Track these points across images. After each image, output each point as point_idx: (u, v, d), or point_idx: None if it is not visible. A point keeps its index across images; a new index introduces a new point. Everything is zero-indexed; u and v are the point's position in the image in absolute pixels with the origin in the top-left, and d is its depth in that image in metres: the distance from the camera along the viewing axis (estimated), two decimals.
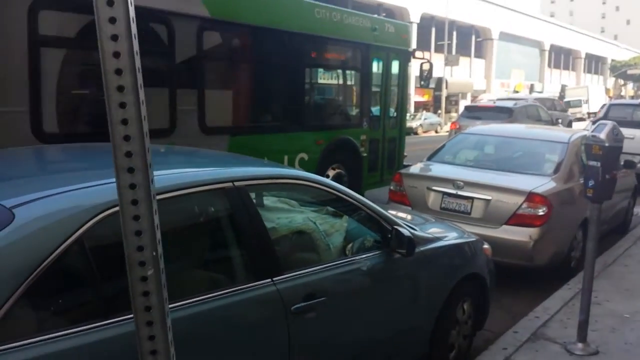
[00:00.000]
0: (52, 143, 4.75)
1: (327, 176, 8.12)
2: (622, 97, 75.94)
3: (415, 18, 40.88)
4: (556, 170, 5.98)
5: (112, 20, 1.05)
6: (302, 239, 3.43)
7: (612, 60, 77.87)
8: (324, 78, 8.88)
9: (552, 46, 63.01)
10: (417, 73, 10.64)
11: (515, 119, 14.64)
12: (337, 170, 8.40)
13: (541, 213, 5.40)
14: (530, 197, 5.43)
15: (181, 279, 2.49)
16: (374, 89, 9.13)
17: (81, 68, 5.61)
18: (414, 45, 29.75)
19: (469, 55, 48.41)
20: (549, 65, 64.19)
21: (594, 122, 12.35)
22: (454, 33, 45.67)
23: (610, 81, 79.34)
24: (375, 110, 9.21)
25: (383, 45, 9.02)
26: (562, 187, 5.79)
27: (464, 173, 6.17)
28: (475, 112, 16.25)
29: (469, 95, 46.44)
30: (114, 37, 1.06)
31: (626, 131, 11.17)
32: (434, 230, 3.98)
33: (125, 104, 1.09)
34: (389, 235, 3.24)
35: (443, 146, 7.15)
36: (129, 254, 1.17)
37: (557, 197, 5.60)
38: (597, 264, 5.82)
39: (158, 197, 2.26)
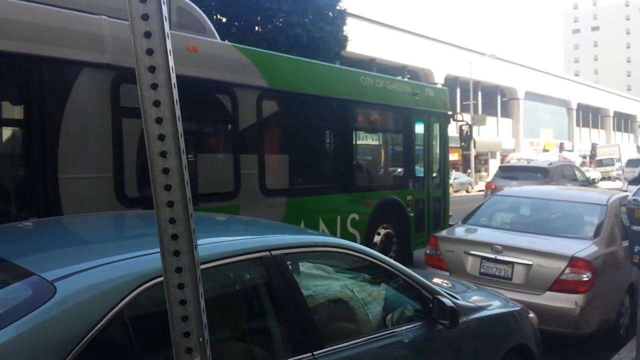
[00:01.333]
0: (132, 206, 5.20)
1: (379, 234, 8.48)
2: None
3: (439, 79, 41.47)
4: (597, 234, 5.77)
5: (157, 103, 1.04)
6: (339, 308, 3.33)
7: None
8: (371, 141, 9.28)
9: (579, 105, 62.90)
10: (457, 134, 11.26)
11: (551, 179, 14.60)
12: (387, 230, 8.65)
13: (585, 278, 5.17)
14: (573, 261, 5.23)
15: (219, 354, 2.40)
16: (417, 150, 9.51)
17: None
18: None
19: (495, 114, 48.56)
20: (577, 124, 63.86)
21: (630, 183, 12.15)
22: (479, 93, 46.04)
23: None
24: (419, 171, 9.57)
25: (424, 109, 9.48)
26: (604, 251, 5.57)
27: (502, 236, 6.00)
28: (510, 172, 16.24)
29: (498, 154, 46.25)
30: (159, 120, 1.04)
31: None
32: (476, 299, 3.82)
33: (172, 201, 1.05)
34: (431, 305, 3.11)
35: (478, 208, 7.02)
36: (175, 340, 1.11)
37: (600, 261, 5.38)
38: None
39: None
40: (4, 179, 4.95)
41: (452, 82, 42.93)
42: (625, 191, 10.95)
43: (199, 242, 2.51)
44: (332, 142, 8.06)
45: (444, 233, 6.45)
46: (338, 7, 23.23)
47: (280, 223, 3.76)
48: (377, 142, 9.38)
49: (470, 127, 11.01)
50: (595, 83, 79.66)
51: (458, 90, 44.25)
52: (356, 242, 8.07)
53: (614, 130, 72.86)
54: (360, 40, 32.63)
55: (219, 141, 6.66)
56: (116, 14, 5.25)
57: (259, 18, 21.84)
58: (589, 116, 66.99)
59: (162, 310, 1.22)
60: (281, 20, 21.87)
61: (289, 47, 22.32)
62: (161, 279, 2.12)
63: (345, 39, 23.83)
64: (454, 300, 3.31)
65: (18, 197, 4.86)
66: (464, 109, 42.16)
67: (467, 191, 33.71)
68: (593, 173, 47.62)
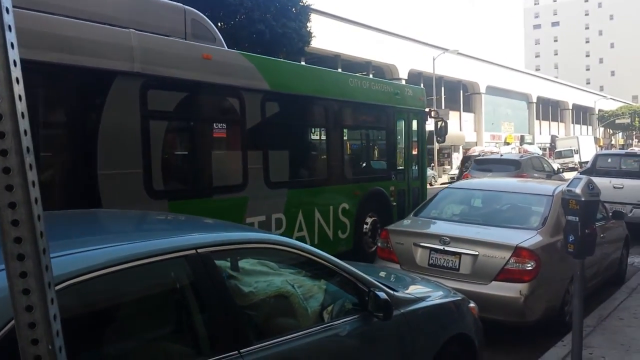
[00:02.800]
0: (159, 199, 5.90)
1: (366, 223, 9.36)
2: (612, 146, 77.10)
3: (403, 74, 41.83)
4: (542, 224, 5.91)
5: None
6: (279, 303, 3.32)
7: (600, 110, 79.38)
8: (358, 137, 10.10)
9: (539, 98, 64.27)
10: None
11: (522, 170, 15.67)
12: (373, 218, 9.50)
13: (529, 268, 5.30)
14: (517, 251, 5.34)
15: (141, 355, 2.38)
16: (399, 145, 10.47)
17: (180, 135, 6.96)
18: None
19: (458, 109, 49.24)
20: (538, 117, 65.28)
21: (582, 173, 12.49)
22: (442, 88, 46.62)
23: (599, 131, 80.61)
24: (401, 163, 10.50)
25: (404, 107, 10.43)
26: (549, 241, 5.70)
27: (451, 228, 6.10)
28: (485, 165, 17.15)
29: (460, 148, 46.95)
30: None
31: (615, 181, 11.36)
32: (418, 290, 3.88)
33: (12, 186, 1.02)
34: (366, 298, 3.14)
35: (430, 201, 7.12)
36: (23, 348, 1.08)
37: (544, 251, 5.51)
38: (592, 318, 5.72)
39: (112, 269, 2.22)
40: (52, 174, 5.45)
41: (415, 78, 43.35)
42: None
43: (122, 242, 2.50)
44: (325, 139, 8.77)
45: (394, 226, 6.50)
46: (301, 3, 23.17)
47: (220, 221, 3.71)
48: (364, 138, 10.14)
49: (445, 122, 12.03)
50: (555, 77, 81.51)
51: (422, 85, 44.70)
52: (347, 229, 8.86)
53: (572, 122, 74.75)
54: (324, 37, 32.62)
55: (229, 139, 7.24)
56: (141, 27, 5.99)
57: (221, 14, 21.62)
58: (549, 109, 68.55)
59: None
60: (244, 16, 21.70)
61: (251, 43, 22.17)
62: (66, 284, 2.13)
63: (309, 35, 23.78)
64: (391, 292, 3.34)
65: (64, 189, 5.45)
66: (428, 103, 42.61)
67: (431, 184, 34.10)
68: (553, 164, 48.89)
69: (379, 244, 6.37)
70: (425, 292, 3.85)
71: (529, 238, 5.56)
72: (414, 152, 10.82)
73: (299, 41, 22.82)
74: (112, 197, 5.46)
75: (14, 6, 0.93)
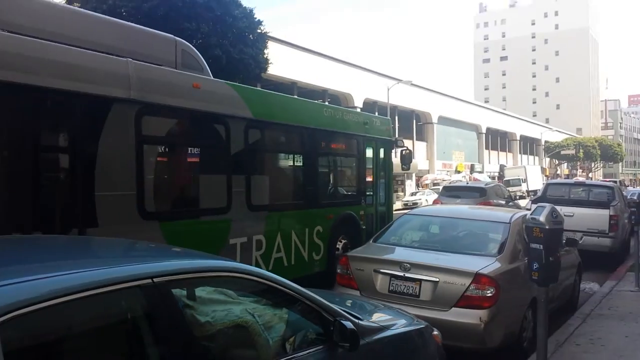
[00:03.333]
0: (151, 219, 6.15)
1: (339, 247, 9.66)
2: (558, 175, 79.99)
3: (358, 103, 42.41)
4: (500, 251, 5.95)
5: None
6: (238, 333, 3.16)
7: (546, 141, 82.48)
8: (332, 163, 10.42)
9: (488, 129, 66.29)
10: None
11: (488, 197, 17.02)
12: (344, 241, 9.81)
13: (489, 294, 5.29)
14: (477, 278, 5.34)
15: None
16: (367, 172, 10.86)
17: (170, 160, 7.32)
18: None
19: (411, 137, 50.18)
20: (487, 147, 67.25)
21: (533, 202, 12.80)
22: (396, 117, 47.49)
23: (546, 161, 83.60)
24: (369, 189, 10.90)
25: (373, 137, 10.91)
26: (507, 267, 5.73)
27: (411, 254, 6.06)
28: (453, 192, 18.49)
29: (413, 176, 47.73)
30: None
31: (565, 209, 11.64)
32: (382, 318, 3.78)
33: None
34: (331, 328, 3.02)
35: (389, 227, 7.08)
36: None
37: (503, 277, 5.53)
38: (549, 344, 5.71)
39: (57, 301, 2.02)
40: (52, 195, 5.63)
41: (370, 106, 44.01)
42: (529, 209, 11.50)
43: (71, 270, 2.31)
44: (302, 164, 9.14)
45: (354, 252, 6.42)
46: (258, 31, 23.24)
47: (179, 248, 3.53)
48: (337, 164, 10.57)
49: (410, 151, 12.87)
50: (503, 109, 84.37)
51: (376, 114, 45.39)
52: (321, 251, 9.07)
53: (520, 152, 77.34)
54: (281, 64, 32.78)
55: (215, 164, 7.48)
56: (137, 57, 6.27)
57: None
58: (497, 140, 70.75)
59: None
60: (200, 41, 21.57)
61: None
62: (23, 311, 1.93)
63: (266, 61, 23.84)
64: (356, 321, 3.23)
65: (63, 209, 5.63)
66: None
67: None
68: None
69: (338, 271, 6.25)
70: (389, 320, 3.75)
71: (488, 265, 5.57)
72: (382, 179, 11.31)
73: (255, 67, 22.81)
74: (108, 217, 5.68)
75: (16, 32, 0.78)
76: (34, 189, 5.23)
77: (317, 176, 9.31)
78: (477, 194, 17.22)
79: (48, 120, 5.52)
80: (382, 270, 5.81)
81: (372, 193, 10.84)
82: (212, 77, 7.66)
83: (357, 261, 6.09)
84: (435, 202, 19.52)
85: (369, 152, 10.84)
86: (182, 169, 7.23)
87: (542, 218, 3.58)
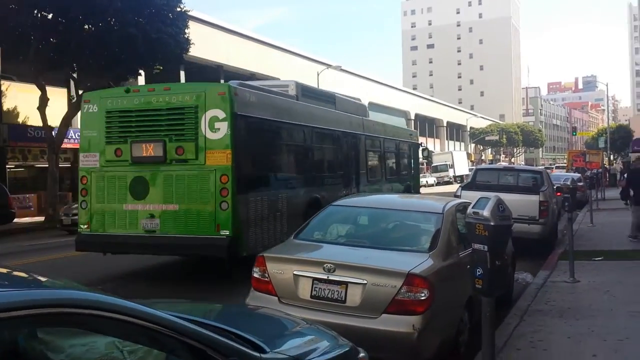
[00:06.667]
0: (369, 184, 15.07)
1: None
2: (482, 161, 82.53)
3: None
4: (433, 246, 5.33)
5: None
6: None
7: (471, 127, 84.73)
8: (401, 157, 18.55)
9: (416, 115, 67.12)
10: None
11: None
12: None
13: (423, 297, 4.65)
14: (410, 279, 4.68)
15: None
16: (410, 161, 19.55)
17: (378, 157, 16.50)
18: None
19: None
20: None
21: (463, 188, 12.48)
22: None
23: (471, 147, 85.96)
24: (413, 171, 19.73)
25: (412, 142, 19.71)
26: (442, 265, 5.13)
27: (335, 252, 5.34)
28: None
29: None
30: None
31: (493, 195, 11.32)
32: (296, 343, 3.03)
33: None
34: None
35: (311, 220, 6.32)
36: None
37: (438, 276, 4.91)
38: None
39: None
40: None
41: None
42: (459, 196, 11.13)
43: None
44: (393, 158, 17.79)
45: (271, 252, 5.61)
46: (178, 9, 21.79)
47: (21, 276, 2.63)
48: (402, 157, 18.65)
49: (429, 150, 22.77)
50: (431, 96, 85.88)
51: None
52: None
53: (447, 139, 79.02)
54: (206, 46, 31.31)
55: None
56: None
57: (85, 14, 19.69)
58: (425, 126, 71.85)
59: None
60: (113, 19, 19.93)
61: (122, 47, 20.43)
62: None
63: (188, 42, 22.43)
64: (256, 356, 2.46)
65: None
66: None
67: None
68: (429, 178, 51.08)
69: (254, 274, 5.43)
70: (306, 346, 2.99)
71: (421, 262, 4.94)
72: (416, 165, 20.19)
73: (176, 47, 21.42)
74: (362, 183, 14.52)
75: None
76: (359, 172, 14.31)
77: (399, 164, 18.11)
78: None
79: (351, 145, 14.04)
80: (303, 273, 5.07)
81: (412, 174, 19.31)
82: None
83: (275, 262, 5.30)
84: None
85: (412, 150, 19.42)
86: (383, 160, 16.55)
87: (486, 212, 2.92)
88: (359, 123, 14.49)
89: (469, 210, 3.15)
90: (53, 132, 21.76)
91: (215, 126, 8.75)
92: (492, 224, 2.90)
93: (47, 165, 22.39)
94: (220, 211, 8.58)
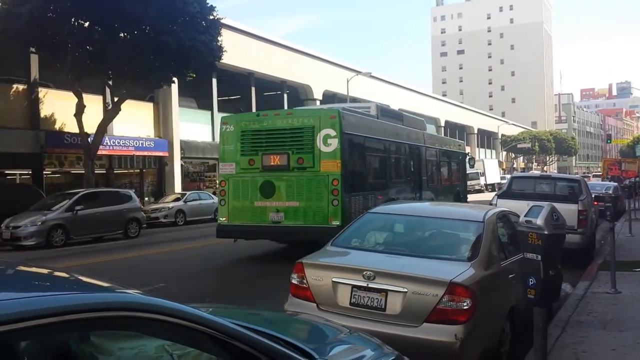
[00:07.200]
0: (427, 190, 17.37)
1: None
2: (514, 169, 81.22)
3: (318, 95, 41.62)
4: (474, 254, 5.24)
5: None
6: None
7: (502, 135, 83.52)
8: (453, 164, 20.95)
9: (447, 122, 66.49)
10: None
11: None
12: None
13: (465, 307, 4.58)
14: (452, 288, 4.61)
15: None
16: (459, 168, 21.82)
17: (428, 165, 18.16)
18: None
19: None
20: None
21: (499, 197, 12.28)
22: None
23: (502, 154, 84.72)
24: (460, 176, 21.88)
25: (461, 151, 22.12)
26: (483, 274, 5.04)
27: (375, 260, 5.29)
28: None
29: None
30: None
31: (532, 204, 11.10)
32: (345, 351, 3.00)
33: None
34: None
35: (349, 227, 6.30)
36: None
37: (480, 286, 4.82)
38: None
39: None
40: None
41: (329, 98, 43.26)
42: (495, 205, 10.95)
43: None
44: (446, 166, 20.05)
45: (310, 258, 5.59)
46: (211, 17, 22.08)
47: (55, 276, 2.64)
48: (453, 164, 20.87)
49: (473, 158, 29.12)
50: (461, 102, 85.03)
51: (337, 105, 44.59)
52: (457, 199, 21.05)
53: (477, 146, 78.01)
54: (238, 53, 31.64)
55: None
56: None
57: (120, 23, 20.09)
58: (456, 133, 71.04)
59: None
60: (148, 27, 20.29)
61: (157, 54, 20.78)
62: None
63: (220, 49, 22.71)
64: None
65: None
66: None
67: None
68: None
69: (292, 280, 5.43)
70: (353, 354, 2.96)
71: (462, 271, 4.86)
72: (465, 171, 22.84)
73: (209, 55, 21.70)
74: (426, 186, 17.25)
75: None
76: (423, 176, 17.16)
77: (451, 171, 20.48)
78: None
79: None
80: (342, 280, 5.03)
81: (462, 178, 22.23)
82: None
83: (314, 269, 5.29)
84: None
85: (460, 159, 21.93)
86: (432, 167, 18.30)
87: (539, 221, 2.85)
88: (421, 136, 17.29)
89: (522, 218, 3.08)
90: (89, 139, 22.21)
91: (327, 142, 11.42)
92: (545, 232, 2.83)
93: (83, 172, 22.86)
94: (332, 207, 11.24)
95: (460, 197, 20.64)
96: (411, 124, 16.99)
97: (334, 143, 11.34)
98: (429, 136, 18.40)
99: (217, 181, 12.49)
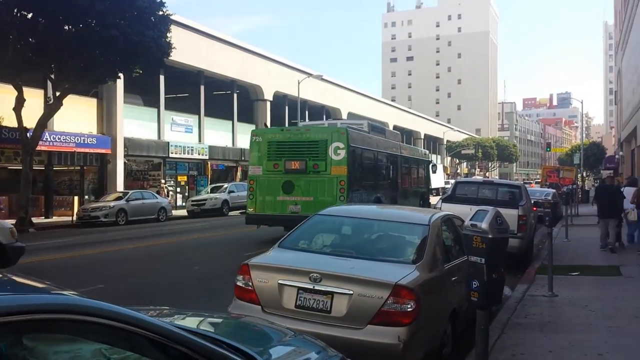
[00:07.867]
0: (399, 189, 21.36)
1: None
2: (458, 174, 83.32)
3: (268, 96, 41.43)
4: (419, 257, 5.32)
5: None
6: None
7: (448, 141, 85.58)
8: (417, 170, 24.17)
9: (395, 127, 67.50)
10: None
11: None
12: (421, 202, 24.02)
13: (409, 309, 4.63)
14: (396, 290, 4.66)
15: None
16: (425, 173, 25.21)
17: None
18: (268, 119, 40.29)
19: None
20: None
21: (444, 200, 12.55)
22: (306, 111, 46.99)
23: (447, 160, 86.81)
24: (425, 180, 25.30)
25: (425, 159, 25.96)
26: (428, 276, 5.12)
27: (321, 262, 5.28)
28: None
29: None
30: None
31: (474, 208, 11.39)
32: (289, 354, 2.97)
33: None
34: None
35: (297, 229, 6.27)
36: None
37: (424, 288, 4.89)
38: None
39: None
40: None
41: (280, 100, 43.16)
42: (440, 209, 11.17)
43: None
44: (410, 172, 23.08)
45: (256, 260, 5.53)
46: (161, 12, 21.60)
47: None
48: (419, 171, 24.39)
49: (435, 165, 29.38)
50: (409, 108, 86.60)
51: (287, 108, 44.63)
52: (418, 202, 24.26)
53: None
54: (188, 51, 31.11)
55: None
56: None
57: (67, 16, 19.38)
58: (404, 138, 72.05)
59: None
60: (95, 20, 19.66)
61: (104, 49, 20.16)
62: None
63: (169, 46, 22.23)
64: None
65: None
66: (292, 125, 42.47)
67: None
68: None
69: (237, 282, 5.35)
70: (297, 356, 2.94)
71: (407, 274, 4.92)
72: (428, 177, 25.72)
73: (157, 51, 21.23)
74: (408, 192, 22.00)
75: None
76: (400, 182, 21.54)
77: (419, 175, 23.90)
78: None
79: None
80: (288, 282, 5.00)
81: (426, 183, 25.45)
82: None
83: (259, 270, 5.23)
84: None
85: (425, 165, 25.37)
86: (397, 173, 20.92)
87: (484, 225, 2.91)
88: (397, 147, 21.37)
89: (467, 222, 3.14)
90: (28, 134, 21.32)
91: (337, 152, 15.00)
92: (489, 236, 2.89)
93: (20, 167, 21.92)
94: (339, 201, 14.44)
95: (425, 197, 24.70)
96: (390, 137, 21.47)
97: (342, 153, 14.99)
98: (403, 146, 22.94)
99: (247, 180, 17.02)
